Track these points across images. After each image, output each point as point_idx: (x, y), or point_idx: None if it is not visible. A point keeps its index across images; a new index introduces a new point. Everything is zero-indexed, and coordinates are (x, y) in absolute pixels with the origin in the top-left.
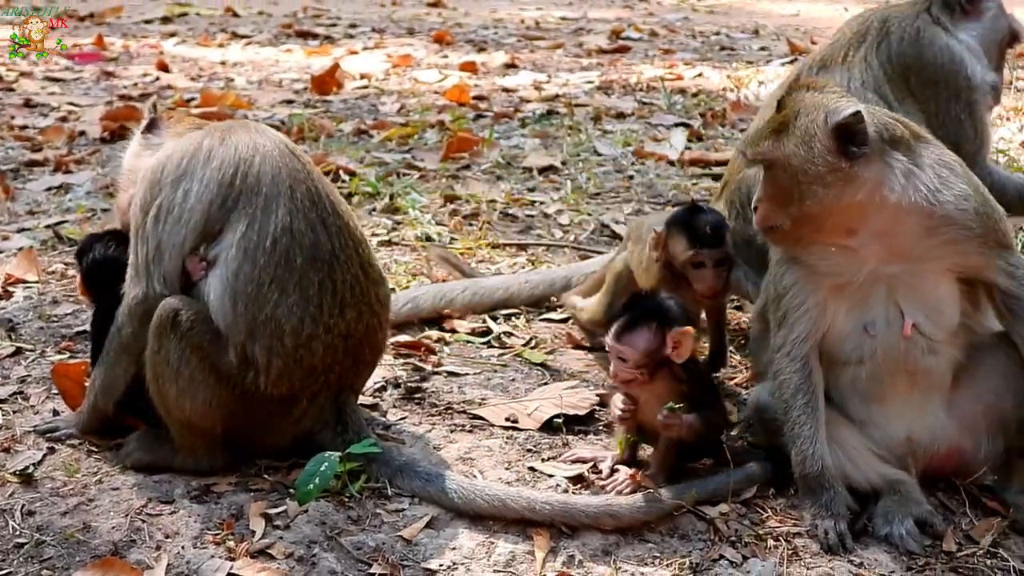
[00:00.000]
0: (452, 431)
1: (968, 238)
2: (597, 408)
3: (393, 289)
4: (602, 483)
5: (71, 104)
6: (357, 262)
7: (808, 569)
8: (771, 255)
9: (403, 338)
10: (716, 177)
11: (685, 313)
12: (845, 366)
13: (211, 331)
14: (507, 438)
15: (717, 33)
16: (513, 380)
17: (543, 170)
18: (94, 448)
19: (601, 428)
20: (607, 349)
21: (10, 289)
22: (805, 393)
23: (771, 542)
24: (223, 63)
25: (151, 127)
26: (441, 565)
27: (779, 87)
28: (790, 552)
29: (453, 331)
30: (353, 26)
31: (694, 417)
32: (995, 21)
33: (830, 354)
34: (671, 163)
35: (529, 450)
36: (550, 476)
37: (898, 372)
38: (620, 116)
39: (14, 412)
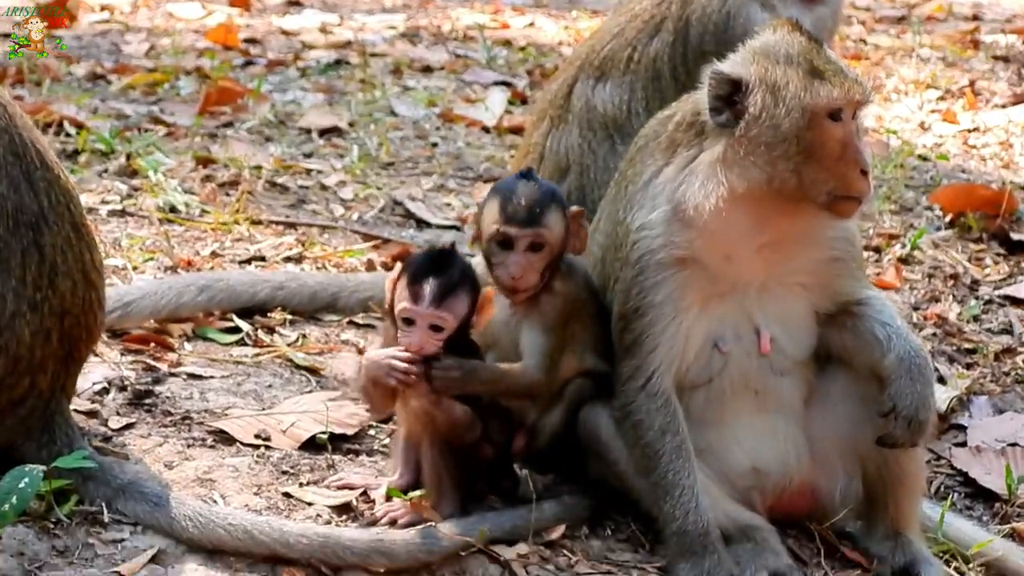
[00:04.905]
0: (189, 446)
1: (851, 258)
2: (371, 425)
3: (124, 268)
4: (374, 514)
5: None
6: (68, 220)
7: None
8: (633, 258)
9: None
10: None
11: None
12: (688, 390)
13: None
14: (258, 456)
15: None
16: (270, 386)
17: (325, 132)
18: None
19: (376, 448)
20: (408, 317)
21: None
22: (674, 435)
23: None
24: None
25: None
26: None
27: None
28: None
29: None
30: None
31: (462, 409)
32: (836, 3)
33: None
34: (485, 130)
35: (284, 472)
36: (310, 504)
37: (743, 392)
38: (427, 70)
39: None
